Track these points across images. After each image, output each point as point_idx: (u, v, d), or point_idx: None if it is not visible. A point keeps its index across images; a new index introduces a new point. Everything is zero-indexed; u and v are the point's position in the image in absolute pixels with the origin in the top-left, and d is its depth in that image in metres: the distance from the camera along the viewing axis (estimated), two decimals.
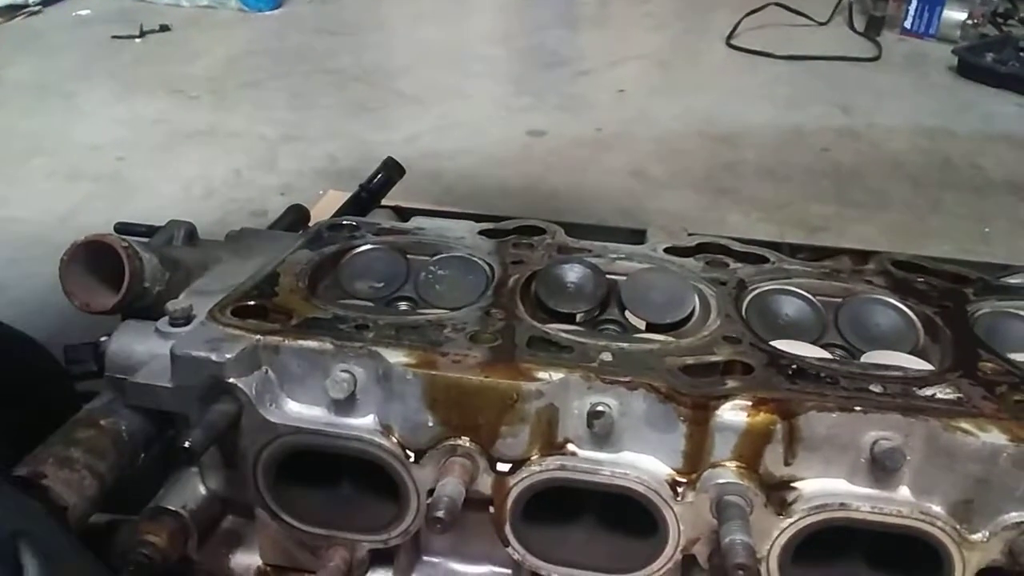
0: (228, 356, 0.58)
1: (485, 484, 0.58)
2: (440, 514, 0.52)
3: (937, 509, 0.54)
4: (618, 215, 1.57)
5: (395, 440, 0.58)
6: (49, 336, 0.87)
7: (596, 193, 1.68)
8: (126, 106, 2.08)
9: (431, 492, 0.57)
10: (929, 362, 0.64)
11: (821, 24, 2.68)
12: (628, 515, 0.58)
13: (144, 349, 0.63)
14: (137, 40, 2.51)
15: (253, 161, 1.80)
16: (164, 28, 2.58)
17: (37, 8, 2.72)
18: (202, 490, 0.65)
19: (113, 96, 2.14)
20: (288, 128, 1.95)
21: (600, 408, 0.55)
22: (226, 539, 0.67)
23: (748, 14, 2.60)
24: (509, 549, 0.59)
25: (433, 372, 0.57)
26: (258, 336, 0.59)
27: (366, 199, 1.10)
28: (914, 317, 0.69)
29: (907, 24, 2.63)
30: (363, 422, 0.59)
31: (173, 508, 0.62)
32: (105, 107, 2.08)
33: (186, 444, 0.53)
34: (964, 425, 0.53)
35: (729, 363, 0.59)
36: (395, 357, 0.58)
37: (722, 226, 1.53)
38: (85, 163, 1.78)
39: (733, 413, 0.55)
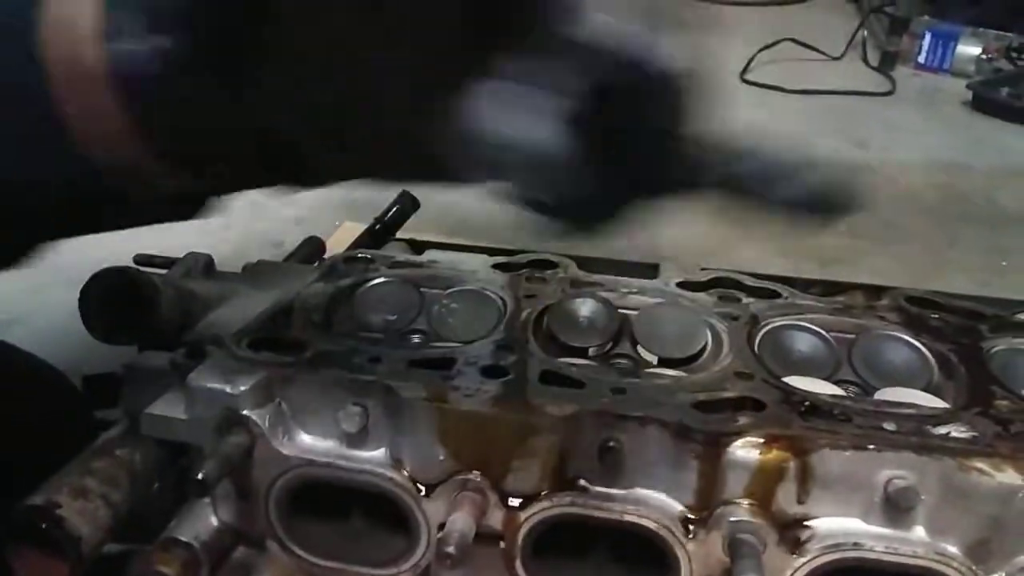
0: (242, 388, 0.58)
1: (496, 519, 0.58)
2: (451, 549, 0.52)
3: (952, 550, 0.54)
4: (631, 249, 1.57)
5: (406, 474, 0.58)
6: (70, 366, 0.88)
7: None
8: None
9: (442, 526, 0.57)
10: (943, 400, 0.64)
11: (835, 59, 2.70)
12: (639, 551, 0.58)
13: (158, 380, 0.64)
14: None
15: (270, 193, 1.81)
16: None
17: None
18: (214, 521, 0.65)
19: None
20: None
21: (611, 444, 0.55)
22: (237, 570, 0.66)
23: (762, 49, 2.62)
24: None
25: (445, 406, 0.57)
26: (272, 368, 0.60)
27: (381, 232, 1.11)
28: (928, 354, 0.69)
29: (921, 59, 2.64)
30: (374, 455, 0.59)
31: (185, 539, 0.62)
32: None
33: (199, 476, 0.54)
34: (979, 464, 0.53)
35: (741, 399, 0.59)
36: (407, 391, 0.58)
37: (736, 259, 1.52)
38: None
39: (745, 451, 0.55)
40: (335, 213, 1.72)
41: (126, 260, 0.77)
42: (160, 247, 0.97)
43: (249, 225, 1.68)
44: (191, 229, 1.70)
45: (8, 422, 0.75)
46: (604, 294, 0.74)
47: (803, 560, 0.54)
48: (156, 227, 1.75)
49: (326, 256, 1.08)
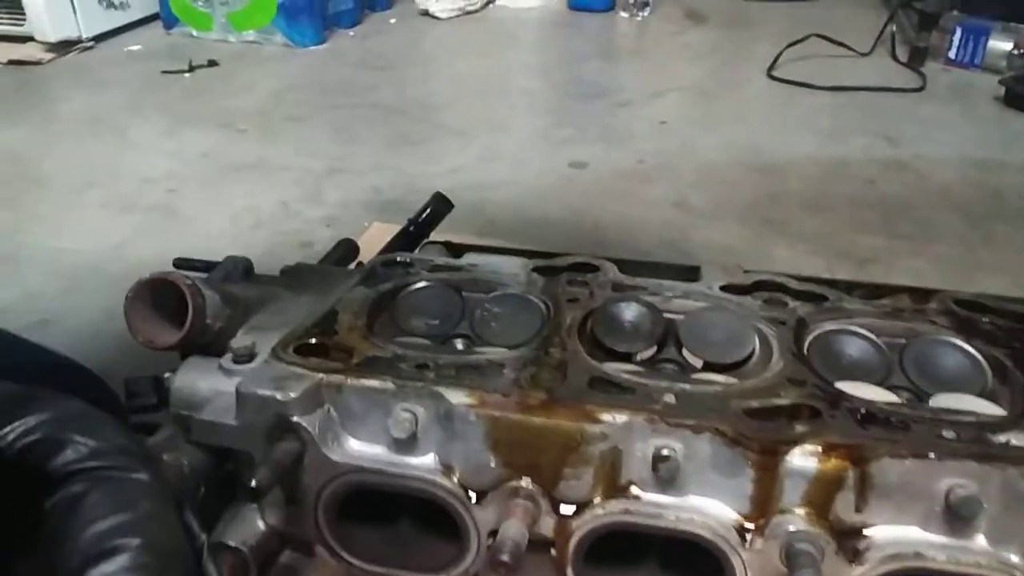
0: (292, 395, 0.58)
1: (547, 526, 0.57)
2: (504, 557, 0.52)
3: (1015, 559, 0.52)
4: (663, 247, 1.56)
5: (456, 480, 0.58)
6: (103, 367, 0.88)
7: (640, 225, 1.67)
8: (176, 139, 2.13)
9: (492, 533, 0.57)
10: (999, 405, 0.63)
11: (863, 55, 2.66)
12: (693, 560, 0.57)
13: (207, 386, 0.64)
14: (186, 75, 2.58)
15: (299, 193, 1.83)
16: (212, 63, 2.65)
17: (90, 44, 2.81)
18: (261, 525, 0.65)
19: (163, 130, 2.19)
20: (333, 161, 1.99)
21: (665, 452, 0.55)
22: (284, 574, 0.67)
23: (789, 45, 2.59)
24: None
25: (496, 413, 0.57)
26: (321, 375, 0.60)
27: (415, 234, 1.11)
28: (981, 359, 0.67)
29: (951, 54, 2.60)
30: (424, 461, 0.59)
31: (233, 543, 0.63)
32: (156, 140, 2.13)
33: (253, 483, 0.54)
34: None
35: (795, 407, 0.58)
36: (457, 398, 0.58)
37: (769, 258, 1.51)
38: (137, 195, 1.83)
39: (803, 459, 0.54)
40: (363, 213, 1.73)
41: (162, 263, 0.77)
42: (192, 250, 0.98)
43: (278, 226, 1.69)
44: (221, 231, 1.72)
45: None
46: (648, 298, 0.73)
47: (862, 569, 0.53)
48: (185, 228, 1.76)
49: (360, 258, 1.08)
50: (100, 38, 2.85)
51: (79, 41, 2.78)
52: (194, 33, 2.94)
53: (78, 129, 2.22)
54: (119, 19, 2.92)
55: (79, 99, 2.43)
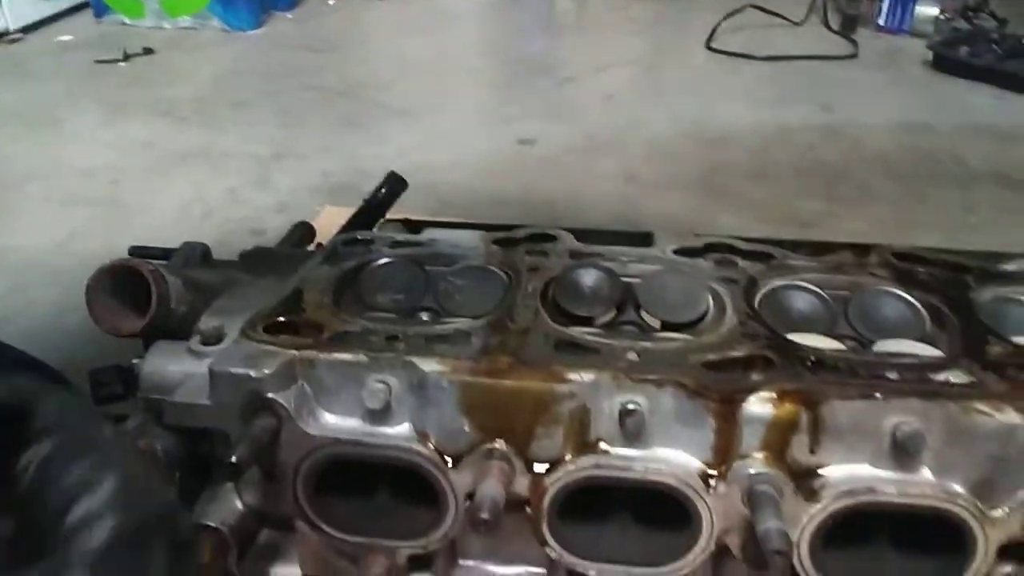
0: (267, 372, 0.59)
1: (522, 486, 0.59)
2: (484, 515, 0.54)
3: (958, 489, 0.56)
4: (615, 220, 1.59)
5: (431, 447, 0.60)
6: (59, 363, 0.87)
7: (591, 198, 1.70)
8: (116, 130, 2.08)
9: (469, 496, 0.59)
10: (939, 349, 0.67)
11: (797, 24, 2.73)
12: (660, 510, 0.60)
13: (178, 369, 0.64)
14: (122, 64, 2.51)
15: (247, 180, 1.80)
16: (148, 51, 2.58)
17: (18, 36, 2.71)
18: (239, 505, 0.66)
19: (102, 120, 2.14)
20: (279, 146, 1.97)
21: (631, 407, 0.57)
22: (265, 552, 0.68)
23: (726, 17, 2.64)
24: (547, 548, 0.61)
25: (467, 378, 0.59)
26: (293, 351, 0.61)
27: (371, 213, 1.11)
28: (920, 306, 0.71)
29: (881, 21, 2.68)
30: (399, 430, 0.61)
31: (213, 524, 0.63)
32: (95, 131, 2.08)
33: (233, 458, 0.54)
34: (980, 407, 0.56)
35: (750, 358, 0.61)
36: (429, 366, 0.59)
37: (717, 226, 1.56)
38: (79, 188, 1.78)
39: (759, 405, 0.57)
40: (313, 197, 1.72)
41: (110, 256, 0.76)
42: (140, 241, 0.97)
43: (228, 213, 1.67)
44: (169, 221, 1.69)
45: None
46: (606, 264, 0.76)
47: (819, 506, 0.57)
48: (132, 220, 1.73)
49: (317, 240, 1.08)
50: (29, 29, 2.75)
51: (7, 33, 2.68)
52: (126, 21, 2.86)
53: (12, 123, 2.14)
54: (47, 9, 2.82)
55: (11, 92, 2.35)
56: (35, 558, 0.40)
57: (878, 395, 0.57)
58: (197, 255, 0.87)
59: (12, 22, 2.68)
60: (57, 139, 2.04)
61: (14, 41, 2.70)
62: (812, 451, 0.58)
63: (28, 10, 2.74)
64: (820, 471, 0.58)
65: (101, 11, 2.89)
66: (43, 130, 2.09)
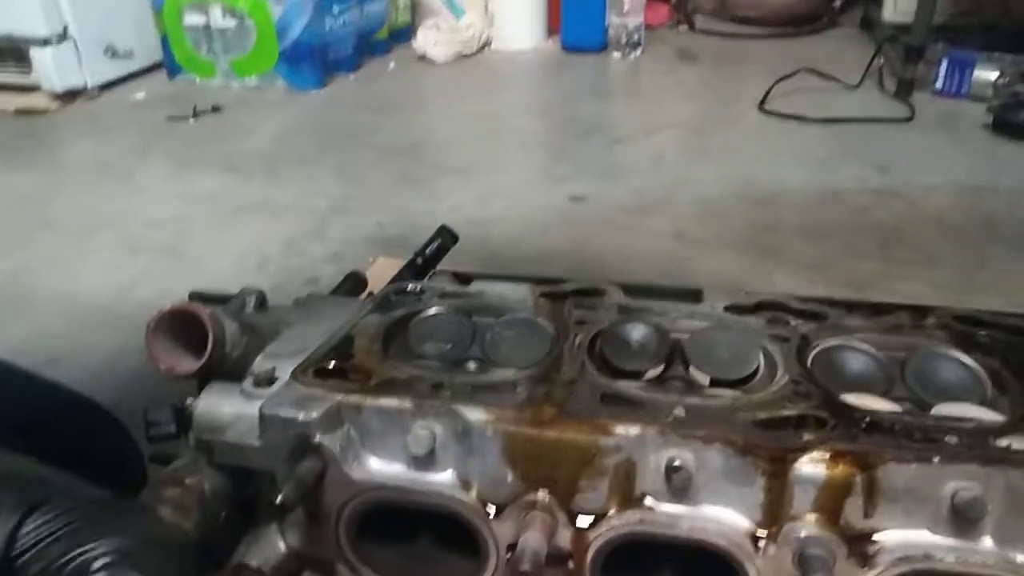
0: (314, 415, 0.60)
1: (564, 538, 0.59)
2: (526, 567, 0.53)
3: (1022, 559, 0.54)
4: (663, 276, 1.59)
5: (474, 495, 0.59)
6: (114, 403, 0.90)
7: (640, 255, 1.70)
8: (182, 182, 2.17)
9: (510, 547, 0.58)
10: (1000, 414, 0.64)
11: (853, 88, 2.72)
12: (706, 569, 0.58)
13: (230, 409, 0.66)
14: (191, 120, 2.63)
15: (304, 232, 1.86)
16: (216, 109, 2.71)
17: (95, 93, 2.87)
18: (282, 546, 0.66)
19: (170, 174, 2.24)
20: (336, 200, 2.02)
21: (677, 463, 0.56)
22: None
23: (779, 80, 2.65)
24: None
25: (511, 428, 0.59)
26: (341, 396, 0.62)
27: (422, 265, 1.13)
28: (980, 369, 0.69)
29: (938, 85, 2.66)
30: (443, 477, 0.61)
31: (256, 564, 0.64)
32: (162, 184, 2.17)
33: (279, 500, 0.55)
34: None
35: (802, 417, 0.60)
36: (473, 414, 0.60)
37: (769, 286, 1.54)
38: (145, 237, 1.86)
39: (811, 466, 0.55)
40: (367, 249, 1.76)
41: (172, 298, 0.79)
42: (202, 286, 1.00)
43: (284, 262, 1.71)
44: (228, 270, 1.75)
45: (58, 457, 0.77)
46: (654, 318, 0.75)
47: (873, 573, 0.55)
48: (193, 268, 1.79)
49: (368, 290, 1.11)
50: (105, 87, 2.91)
51: (85, 90, 2.84)
52: (197, 80, 3.01)
53: (86, 174, 2.26)
54: (124, 68, 2.99)
55: (86, 146, 2.48)
56: None
57: (936, 459, 0.55)
58: (253, 301, 0.90)
59: (90, 80, 2.84)
60: (127, 190, 2.14)
61: (91, 98, 2.85)
62: (867, 515, 0.56)
63: (106, 68, 2.91)
64: (875, 536, 0.56)
65: (174, 71, 3.04)
66: (114, 182, 2.19)
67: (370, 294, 1.06)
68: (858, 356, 0.72)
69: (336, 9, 2.97)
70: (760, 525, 0.57)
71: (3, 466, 0.52)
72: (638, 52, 3.21)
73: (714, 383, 0.71)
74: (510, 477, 0.59)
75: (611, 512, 0.58)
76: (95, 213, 1.99)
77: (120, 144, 2.47)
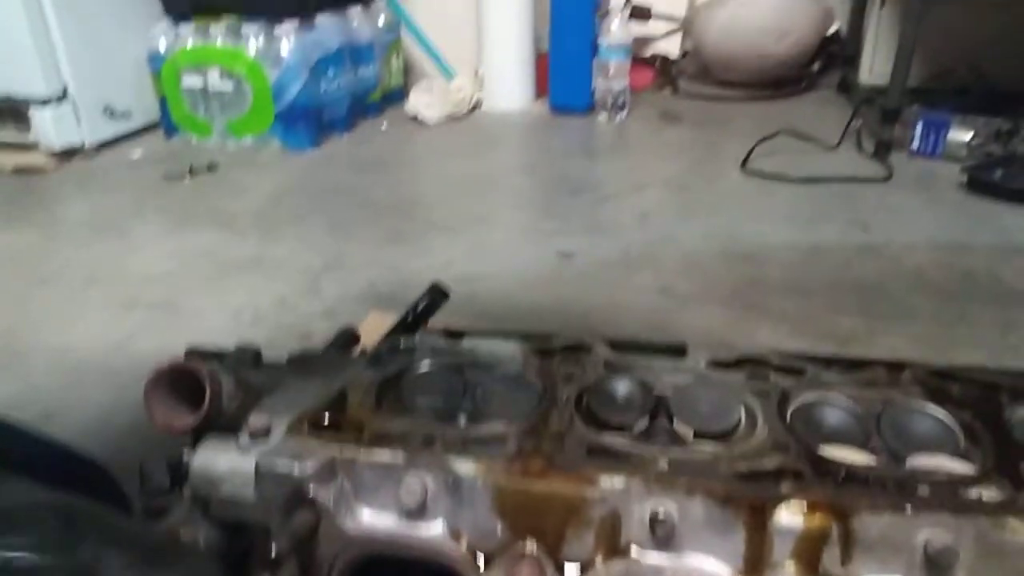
0: (309, 468, 0.62)
1: None
2: None
3: None
4: (649, 329, 1.62)
5: (465, 545, 0.61)
6: (107, 457, 0.91)
7: (627, 310, 1.74)
8: (177, 239, 2.20)
9: None
10: (971, 464, 0.67)
11: (832, 148, 2.80)
12: None
13: (226, 463, 0.68)
14: (187, 179, 2.68)
15: (297, 289, 1.88)
16: (212, 167, 2.76)
17: (93, 152, 2.92)
18: None
19: (165, 231, 2.27)
20: (329, 257, 2.06)
21: (661, 513, 0.58)
22: None
23: (761, 141, 2.73)
24: None
25: (501, 480, 0.61)
26: (335, 449, 0.64)
27: (412, 322, 1.16)
28: (953, 422, 0.72)
29: (914, 146, 2.74)
30: (433, 528, 0.62)
31: None
32: (157, 241, 2.20)
33: (274, 554, 0.57)
34: (1012, 523, 0.56)
35: (780, 470, 0.63)
36: (464, 467, 0.62)
37: (752, 340, 1.57)
38: (138, 293, 1.88)
39: (789, 516, 0.58)
40: (359, 306, 1.78)
41: (167, 355, 0.81)
42: (197, 341, 1.02)
43: (278, 318, 1.74)
44: (221, 326, 1.76)
45: None
46: (639, 374, 0.78)
47: None
48: (187, 324, 1.80)
49: (360, 345, 1.13)
50: (103, 146, 2.96)
51: (83, 149, 2.89)
52: (194, 140, 3.07)
53: (81, 232, 2.29)
54: (121, 128, 3.04)
55: (83, 203, 2.51)
56: None
57: (909, 509, 0.57)
58: (248, 356, 0.92)
59: (88, 139, 2.90)
60: (122, 247, 2.17)
61: (89, 157, 2.90)
62: (843, 563, 0.58)
63: (104, 128, 2.96)
64: None
65: (171, 131, 3.10)
66: (109, 239, 2.22)
67: (364, 350, 1.08)
68: (835, 410, 0.75)
69: (331, 72, 3.05)
70: (742, 573, 0.58)
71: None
72: (624, 114, 3.30)
73: (697, 436, 0.73)
74: (499, 528, 0.61)
75: (598, 561, 0.60)
76: (91, 269, 2.02)
77: (116, 202, 2.50)
